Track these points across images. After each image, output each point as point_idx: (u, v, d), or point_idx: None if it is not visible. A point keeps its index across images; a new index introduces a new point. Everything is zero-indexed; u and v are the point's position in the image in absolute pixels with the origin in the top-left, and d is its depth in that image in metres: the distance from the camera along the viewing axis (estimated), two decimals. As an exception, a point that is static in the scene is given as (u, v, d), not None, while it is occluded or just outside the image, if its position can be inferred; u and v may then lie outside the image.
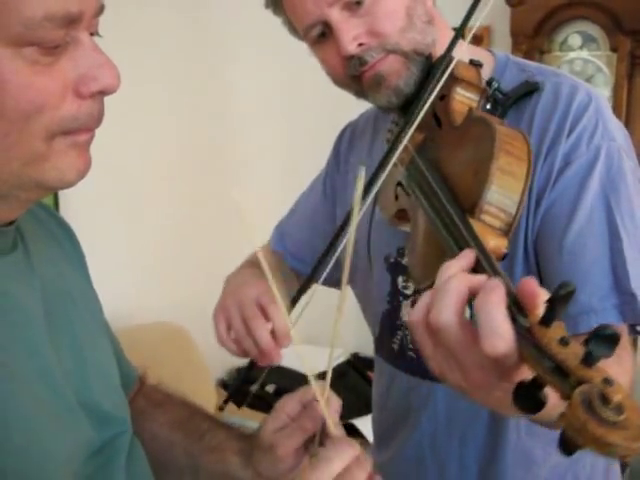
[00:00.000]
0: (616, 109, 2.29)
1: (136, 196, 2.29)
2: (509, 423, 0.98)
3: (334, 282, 1.28)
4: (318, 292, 0.95)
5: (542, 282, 0.88)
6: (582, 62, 2.42)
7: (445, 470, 1.05)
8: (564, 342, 0.48)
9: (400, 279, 1.07)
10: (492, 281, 0.55)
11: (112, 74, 0.61)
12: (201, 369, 2.30)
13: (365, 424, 2.10)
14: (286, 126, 2.73)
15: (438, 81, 0.82)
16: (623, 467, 1.16)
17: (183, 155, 2.43)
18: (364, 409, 2.12)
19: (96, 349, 0.77)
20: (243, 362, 2.53)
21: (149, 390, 0.97)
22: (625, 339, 0.83)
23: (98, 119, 0.62)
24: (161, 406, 0.95)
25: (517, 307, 0.53)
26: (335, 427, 0.74)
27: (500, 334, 0.52)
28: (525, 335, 0.51)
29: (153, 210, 2.35)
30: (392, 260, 1.08)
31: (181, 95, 2.39)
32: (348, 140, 1.22)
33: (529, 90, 0.92)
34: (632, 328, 0.85)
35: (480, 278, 0.58)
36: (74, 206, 2.07)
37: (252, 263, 1.15)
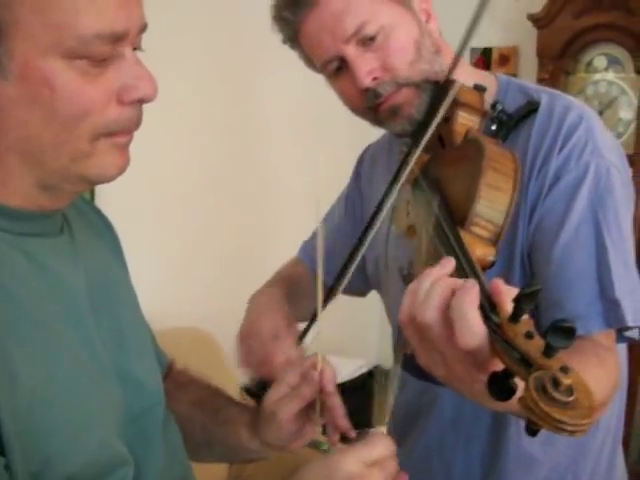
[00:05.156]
0: (640, 130, 2.32)
1: (165, 202, 2.34)
2: (510, 423, 1.02)
3: (356, 292, 1.35)
4: (340, 304, 1.01)
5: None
6: (607, 84, 2.45)
7: (451, 470, 1.09)
8: (529, 336, 0.54)
9: None
10: (468, 282, 0.61)
11: (150, 85, 0.69)
12: (226, 375, 2.35)
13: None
14: (315, 132, 2.75)
15: (440, 106, 0.88)
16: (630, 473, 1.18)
17: (214, 161, 2.46)
18: (383, 419, 2.15)
19: (133, 328, 0.84)
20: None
21: (176, 374, 1.04)
22: (610, 343, 0.88)
23: (137, 123, 0.71)
24: (185, 387, 1.02)
25: (490, 306, 0.59)
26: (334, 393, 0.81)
27: (472, 331, 0.58)
28: (496, 330, 0.57)
29: (181, 217, 2.39)
30: (405, 272, 1.13)
31: (213, 101, 2.44)
32: (370, 161, 1.28)
33: (530, 110, 0.97)
34: (621, 335, 0.90)
35: (460, 281, 0.63)
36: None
37: (278, 280, 1.22)
